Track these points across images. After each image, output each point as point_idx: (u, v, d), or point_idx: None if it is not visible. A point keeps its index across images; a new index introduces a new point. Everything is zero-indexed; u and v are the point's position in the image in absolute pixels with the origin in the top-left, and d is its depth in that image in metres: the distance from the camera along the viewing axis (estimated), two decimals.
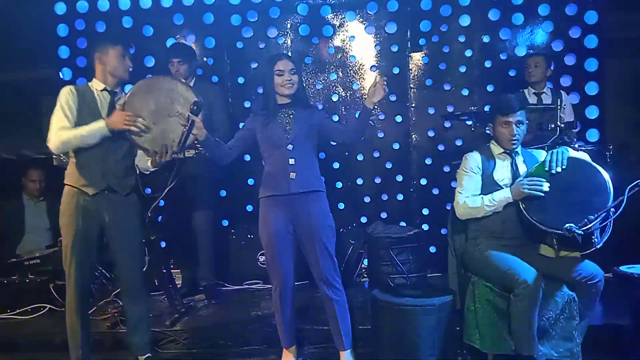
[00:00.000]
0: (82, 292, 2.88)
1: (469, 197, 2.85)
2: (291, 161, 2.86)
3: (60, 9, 4.86)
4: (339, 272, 2.93)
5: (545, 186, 2.65)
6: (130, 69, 2.95)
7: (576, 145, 3.59)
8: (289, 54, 4.76)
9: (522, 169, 2.88)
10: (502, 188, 2.82)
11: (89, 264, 2.91)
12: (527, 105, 2.94)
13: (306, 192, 2.87)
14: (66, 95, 2.82)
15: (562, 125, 3.57)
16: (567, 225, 2.49)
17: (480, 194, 2.86)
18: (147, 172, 3.06)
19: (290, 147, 2.87)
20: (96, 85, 2.91)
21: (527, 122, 2.89)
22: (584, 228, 2.47)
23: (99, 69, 2.90)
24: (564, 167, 2.67)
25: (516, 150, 2.90)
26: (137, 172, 3.05)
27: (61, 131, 2.75)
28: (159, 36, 4.78)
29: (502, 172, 2.88)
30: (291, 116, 2.92)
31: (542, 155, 2.92)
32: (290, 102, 2.94)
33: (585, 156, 2.82)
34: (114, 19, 4.81)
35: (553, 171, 2.67)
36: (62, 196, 2.91)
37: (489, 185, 2.84)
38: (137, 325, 3.00)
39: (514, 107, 2.83)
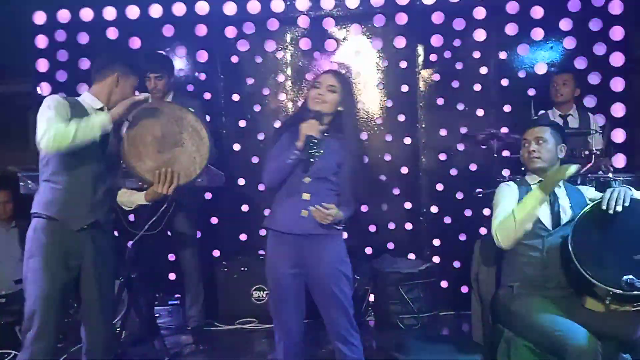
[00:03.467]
0: None
1: (500, 216, 2.45)
2: (305, 196, 2.41)
3: (39, 18, 4.50)
4: (356, 326, 2.48)
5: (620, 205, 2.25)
6: None
7: (610, 175, 3.22)
8: (289, 69, 4.44)
9: (565, 204, 2.48)
10: (543, 226, 2.45)
11: (57, 328, 2.40)
12: (553, 124, 2.62)
13: (319, 235, 2.42)
14: (57, 100, 2.38)
15: (597, 152, 3.20)
16: (626, 277, 2.10)
17: None
18: (130, 208, 2.70)
19: (307, 179, 2.43)
20: (90, 101, 2.49)
21: (560, 143, 2.55)
22: None
23: (106, 86, 2.49)
24: (625, 204, 2.26)
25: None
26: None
27: (54, 124, 2.26)
28: (147, 49, 4.41)
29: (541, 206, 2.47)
30: (321, 148, 2.43)
31: (588, 191, 2.53)
32: (325, 130, 2.46)
33: None
34: (98, 30, 4.45)
35: (611, 211, 2.26)
36: (31, 230, 2.41)
37: None
38: None
39: (532, 124, 2.61)
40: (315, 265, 2.43)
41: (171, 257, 4.31)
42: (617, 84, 4.21)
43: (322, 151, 2.42)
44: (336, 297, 2.42)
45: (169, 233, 3.85)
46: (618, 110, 4.21)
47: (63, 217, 2.38)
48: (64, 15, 4.48)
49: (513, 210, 2.41)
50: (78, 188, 2.40)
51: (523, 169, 3.38)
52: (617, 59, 4.20)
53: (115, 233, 3.41)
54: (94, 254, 2.45)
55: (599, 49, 4.22)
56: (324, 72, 2.55)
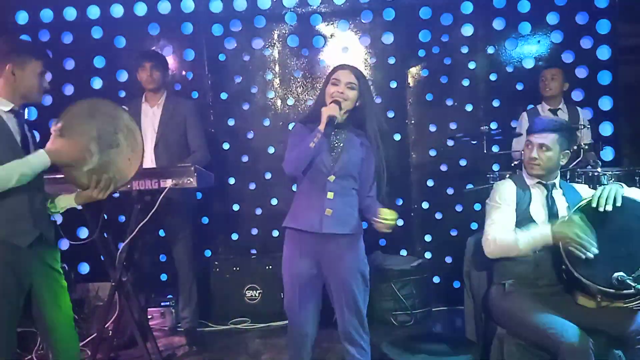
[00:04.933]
0: None
1: (501, 233, 2.43)
2: (329, 195, 2.38)
3: (22, 18, 4.41)
4: (367, 328, 2.49)
5: (593, 250, 2.22)
6: (46, 90, 2.36)
7: (599, 169, 3.24)
8: (277, 67, 4.40)
9: (561, 204, 2.48)
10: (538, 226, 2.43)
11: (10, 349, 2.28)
12: (562, 129, 2.50)
13: (340, 235, 2.41)
14: None
15: (586, 147, 3.21)
16: (617, 274, 2.11)
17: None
18: (57, 212, 2.48)
19: (332, 178, 2.41)
20: (0, 104, 2.24)
21: (565, 149, 2.49)
22: None
23: (5, 83, 2.23)
24: (617, 204, 2.26)
25: (554, 182, 2.52)
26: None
27: None
28: (132, 48, 4.34)
29: (538, 207, 2.48)
30: (342, 142, 2.43)
31: (585, 191, 2.54)
32: (344, 123, 2.45)
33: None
34: (82, 29, 4.38)
35: (601, 208, 2.27)
36: None
37: (524, 222, 2.43)
38: None
39: (540, 127, 2.48)
40: (336, 264, 2.41)
41: (162, 257, 4.28)
42: (604, 78, 4.23)
43: (344, 136, 2.42)
44: (352, 297, 2.41)
45: (161, 234, 3.84)
46: (605, 103, 4.24)
47: (7, 234, 2.19)
48: (47, 15, 4.40)
49: (518, 239, 2.36)
50: (14, 202, 2.18)
51: (514, 164, 3.40)
52: (604, 52, 4.22)
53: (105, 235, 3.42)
54: (44, 269, 2.30)
55: (586, 43, 4.23)
56: (340, 69, 2.46)
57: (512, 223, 2.45)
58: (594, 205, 2.29)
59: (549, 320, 2.23)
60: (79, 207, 2.50)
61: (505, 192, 2.52)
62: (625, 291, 2.15)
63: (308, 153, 2.34)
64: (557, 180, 2.54)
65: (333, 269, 2.42)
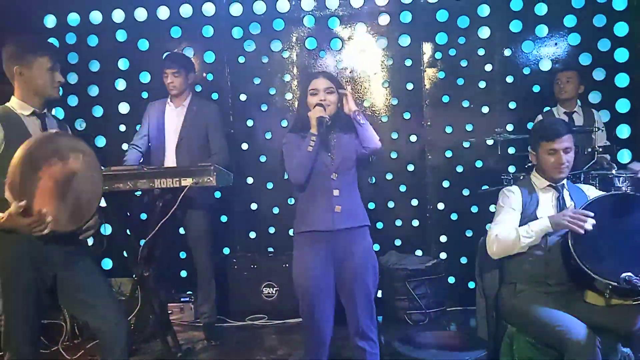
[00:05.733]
0: None
1: (503, 231, 2.49)
2: (335, 192, 2.50)
3: (51, 22, 4.56)
4: (376, 322, 2.56)
5: (589, 223, 2.29)
6: (60, 84, 2.36)
7: (613, 171, 3.26)
8: (295, 69, 4.48)
9: (569, 204, 2.52)
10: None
11: (36, 336, 2.36)
12: (572, 130, 2.57)
13: (350, 229, 2.50)
14: None
15: (599, 150, 3.23)
16: (625, 274, 2.14)
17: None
18: None
19: (334, 176, 2.52)
20: (20, 107, 2.30)
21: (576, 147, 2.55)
22: None
23: (18, 85, 2.30)
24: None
25: (563, 182, 2.56)
26: None
27: None
28: (155, 50, 4.46)
29: (546, 209, 2.52)
30: (334, 141, 2.55)
31: (591, 191, 2.57)
32: (332, 125, 2.57)
33: None
34: (107, 32, 4.52)
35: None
36: None
37: None
38: None
39: (560, 132, 2.49)
40: (347, 258, 2.50)
41: (182, 255, 4.39)
42: (622, 80, 4.22)
43: (334, 134, 2.54)
44: (364, 290, 2.49)
45: (181, 231, 3.94)
46: (623, 105, 4.23)
47: None
48: (73, 19, 4.54)
49: (519, 233, 2.43)
50: None
51: (528, 165, 3.42)
52: (621, 55, 4.20)
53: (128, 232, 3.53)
54: (67, 259, 2.33)
55: (604, 45, 4.21)
56: (313, 78, 2.60)
57: (515, 224, 2.50)
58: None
59: (557, 317, 2.27)
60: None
61: (510, 198, 2.57)
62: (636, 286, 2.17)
63: (308, 157, 2.46)
64: (565, 181, 2.57)
65: (346, 264, 2.50)
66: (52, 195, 2.13)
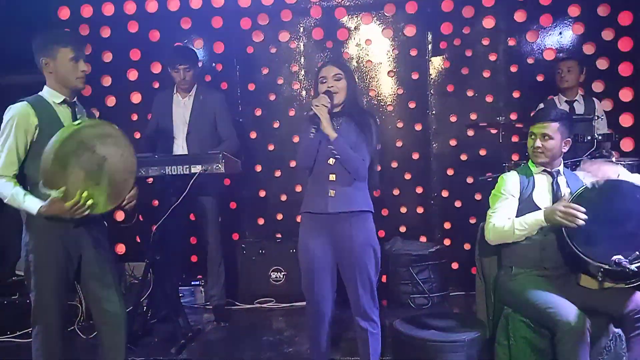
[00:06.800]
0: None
1: (500, 220, 2.59)
2: (331, 177, 2.59)
3: (64, 13, 4.66)
4: (377, 303, 2.68)
5: (581, 218, 2.35)
6: (86, 74, 2.46)
7: (613, 159, 3.32)
8: (302, 59, 4.56)
9: (565, 191, 2.60)
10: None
11: (63, 314, 2.52)
12: (562, 118, 2.63)
13: (348, 213, 2.59)
14: (23, 118, 2.32)
15: (599, 137, 3.30)
16: (615, 257, 2.23)
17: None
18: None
19: (331, 161, 2.60)
20: (51, 96, 2.42)
21: (566, 137, 2.61)
22: (637, 262, 2.19)
23: (47, 76, 2.43)
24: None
25: (558, 169, 2.64)
26: None
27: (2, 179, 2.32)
28: (166, 41, 4.58)
29: (542, 193, 2.61)
30: (338, 127, 2.62)
31: (586, 178, 2.64)
32: (339, 111, 2.67)
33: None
34: (119, 23, 4.62)
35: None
36: (27, 227, 2.42)
37: (528, 208, 2.57)
38: (117, 352, 2.59)
39: (541, 117, 2.62)
40: (347, 240, 2.59)
41: (193, 240, 4.52)
42: (625, 69, 4.24)
43: (341, 122, 2.62)
44: (365, 273, 2.59)
45: (192, 217, 4.06)
46: (626, 94, 4.26)
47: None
48: (87, 10, 4.64)
49: (514, 224, 2.52)
50: None
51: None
52: (625, 44, 4.23)
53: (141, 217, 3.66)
54: (92, 242, 2.48)
55: (607, 34, 4.25)
56: (323, 66, 2.69)
57: (512, 212, 2.59)
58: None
59: (550, 299, 2.37)
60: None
61: (508, 183, 2.65)
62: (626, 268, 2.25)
63: (310, 144, 2.57)
64: (561, 168, 2.65)
65: (346, 247, 2.60)
66: (86, 185, 2.29)
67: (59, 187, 2.23)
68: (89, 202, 2.29)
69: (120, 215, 4.12)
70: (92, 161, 2.31)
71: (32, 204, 2.32)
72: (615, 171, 2.59)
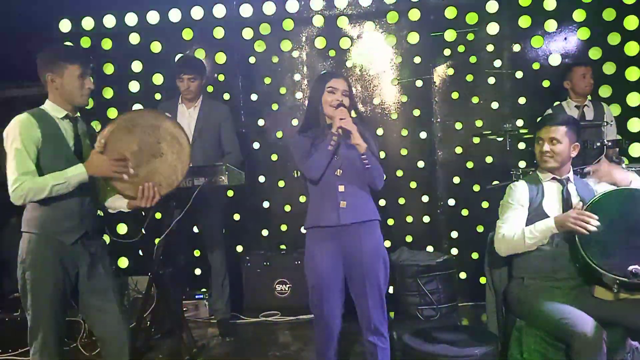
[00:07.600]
0: None
1: (509, 230, 2.52)
2: (340, 188, 2.55)
3: (66, 26, 4.65)
4: (387, 317, 2.61)
5: (594, 224, 2.29)
6: (90, 91, 2.46)
7: (623, 165, 3.26)
8: (305, 68, 4.53)
9: (575, 199, 2.54)
10: None
11: (60, 333, 2.46)
12: (570, 122, 2.58)
13: (358, 223, 2.55)
14: (26, 128, 2.30)
15: (609, 144, 3.24)
16: (632, 267, 2.16)
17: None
18: (114, 211, 2.65)
19: (339, 172, 2.56)
20: (53, 110, 2.41)
21: (574, 142, 2.56)
22: None
23: (51, 92, 2.42)
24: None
25: (567, 176, 2.58)
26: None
27: (25, 178, 2.27)
28: (167, 53, 4.55)
29: (552, 202, 2.54)
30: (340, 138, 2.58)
31: (597, 186, 2.58)
32: None
33: None
34: (120, 35, 4.60)
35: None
36: (24, 244, 2.37)
37: (538, 217, 2.50)
38: None
39: (549, 121, 2.57)
40: (357, 254, 2.54)
41: (197, 253, 4.46)
42: (632, 74, 4.20)
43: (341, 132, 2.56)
44: (375, 286, 2.53)
45: (195, 230, 4.01)
46: (634, 99, 4.21)
47: (55, 232, 2.37)
48: (88, 23, 4.63)
49: (524, 233, 2.46)
50: (65, 203, 2.37)
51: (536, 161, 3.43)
52: (631, 49, 4.19)
53: (143, 231, 3.60)
54: (90, 259, 2.45)
55: (613, 39, 4.20)
56: (333, 77, 2.64)
57: (521, 222, 2.53)
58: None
59: (564, 310, 2.30)
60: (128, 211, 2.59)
61: (517, 193, 2.59)
62: None
63: (327, 155, 2.52)
64: (570, 175, 2.59)
65: (355, 260, 2.54)
66: (128, 156, 2.40)
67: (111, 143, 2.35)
68: (131, 169, 2.40)
69: (122, 229, 4.07)
70: (150, 147, 2.43)
71: (76, 170, 2.33)
72: (628, 178, 2.52)
